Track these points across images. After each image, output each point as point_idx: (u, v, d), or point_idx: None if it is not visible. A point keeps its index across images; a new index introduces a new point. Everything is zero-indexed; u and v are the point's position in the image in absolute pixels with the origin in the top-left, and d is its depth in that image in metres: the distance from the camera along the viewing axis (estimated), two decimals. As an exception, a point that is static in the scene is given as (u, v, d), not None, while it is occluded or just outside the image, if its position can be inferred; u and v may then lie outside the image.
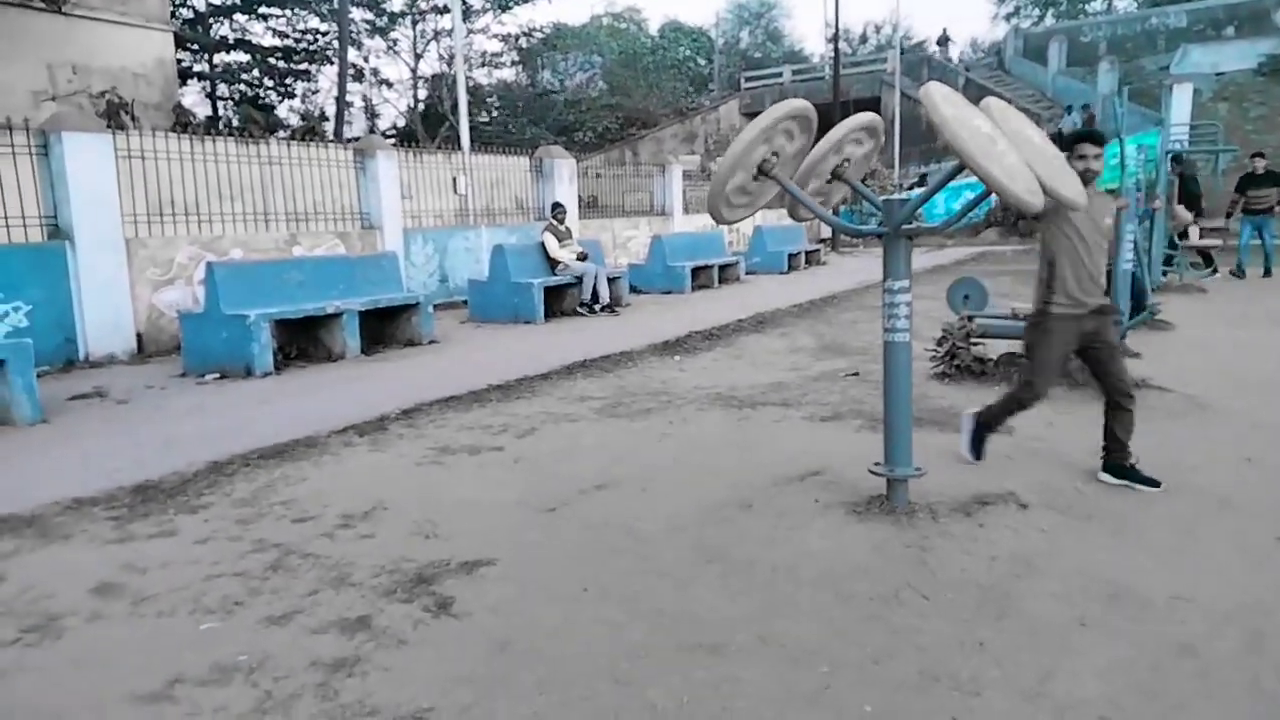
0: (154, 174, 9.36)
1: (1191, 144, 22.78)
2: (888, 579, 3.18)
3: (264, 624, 2.95)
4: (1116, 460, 4.16)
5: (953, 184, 3.35)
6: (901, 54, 33.05)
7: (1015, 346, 6.44)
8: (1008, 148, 3.30)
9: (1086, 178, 3.98)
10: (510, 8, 37.18)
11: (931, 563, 3.31)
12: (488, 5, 36.64)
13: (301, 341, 8.15)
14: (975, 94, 28.80)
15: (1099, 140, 4.02)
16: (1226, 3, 31.75)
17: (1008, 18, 45.11)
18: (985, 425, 4.42)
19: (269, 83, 35.78)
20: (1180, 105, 24.47)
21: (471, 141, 13.75)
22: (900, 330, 3.73)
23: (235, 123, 29.89)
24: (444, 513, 4.00)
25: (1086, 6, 42.68)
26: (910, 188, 26.32)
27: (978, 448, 4.46)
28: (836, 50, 23.89)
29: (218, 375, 7.28)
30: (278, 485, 4.46)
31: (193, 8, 32.13)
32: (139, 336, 8.67)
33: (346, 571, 3.36)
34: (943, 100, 3.12)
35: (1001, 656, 2.65)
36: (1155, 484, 4.05)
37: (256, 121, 23.42)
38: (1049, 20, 42.41)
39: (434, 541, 3.67)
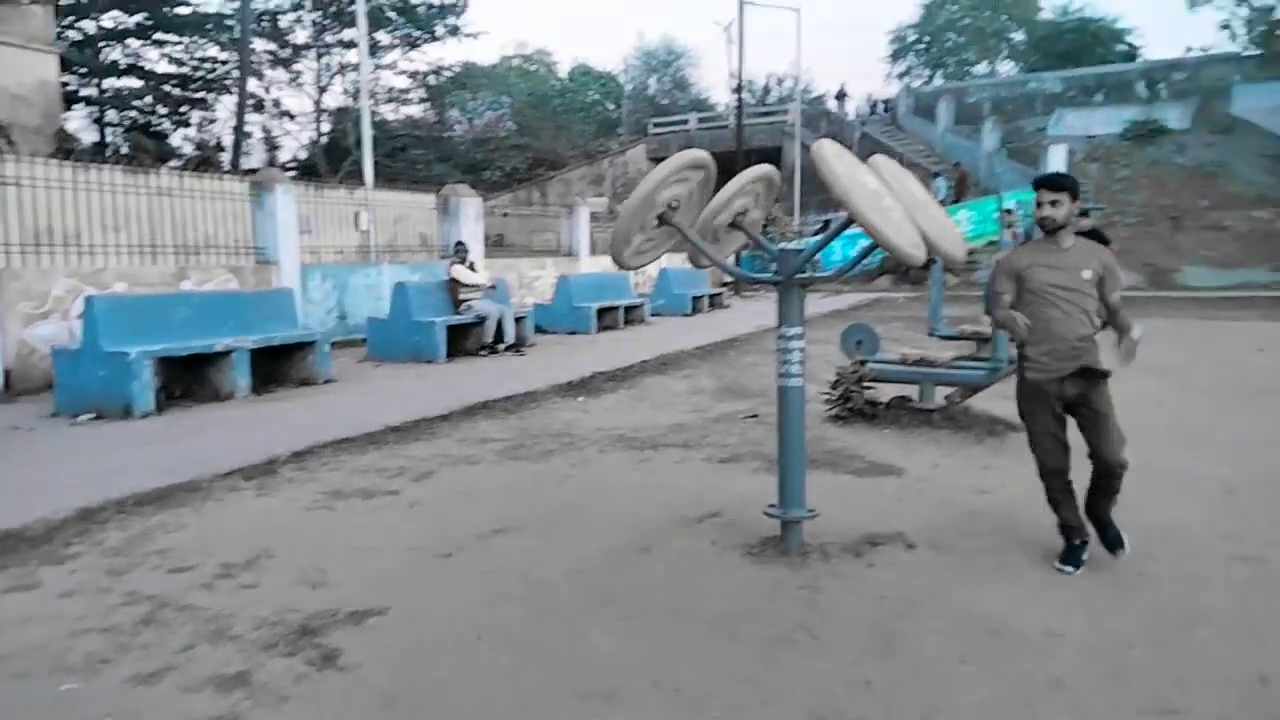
0: (30, 201, 8.88)
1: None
2: (780, 621, 3.23)
3: (132, 683, 2.78)
4: (1084, 540, 3.77)
5: (850, 233, 3.46)
6: (802, 106, 34.36)
7: (906, 390, 6.71)
8: (893, 203, 3.47)
9: (1045, 225, 3.63)
10: (419, 45, 37.07)
11: (822, 603, 3.38)
12: (396, 41, 36.44)
13: (187, 381, 7.79)
14: (870, 147, 30.14)
15: (1057, 185, 3.59)
16: (1097, 72, 34.35)
17: (900, 76, 47.64)
18: (1066, 531, 3.81)
19: (163, 110, 34.54)
20: (1056, 164, 26.18)
21: (376, 177, 13.59)
22: (794, 375, 3.84)
23: (124, 150, 28.69)
24: (333, 560, 3.87)
25: (972, 69, 45.40)
26: (815, 233, 27.22)
27: (1075, 559, 3.73)
28: (740, 101, 24.69)
29: (93, 416, 6.88)
30: (154, 533, 4.23)
31: (82, 30, 30.85)
32: (6, 374, 8.13)
33: (226, 624, 3.21)
34: (833, 156, 3.27)
35: (887, 695, 2.72)
36: (1077, 567, 3.69)
37: (147, 150, 22.59)
38: (938, 80, 44.93)
39: (321, 590, 3.54)
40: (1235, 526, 4.29)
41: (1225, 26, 30.03)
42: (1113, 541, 3.79)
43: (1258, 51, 28.63)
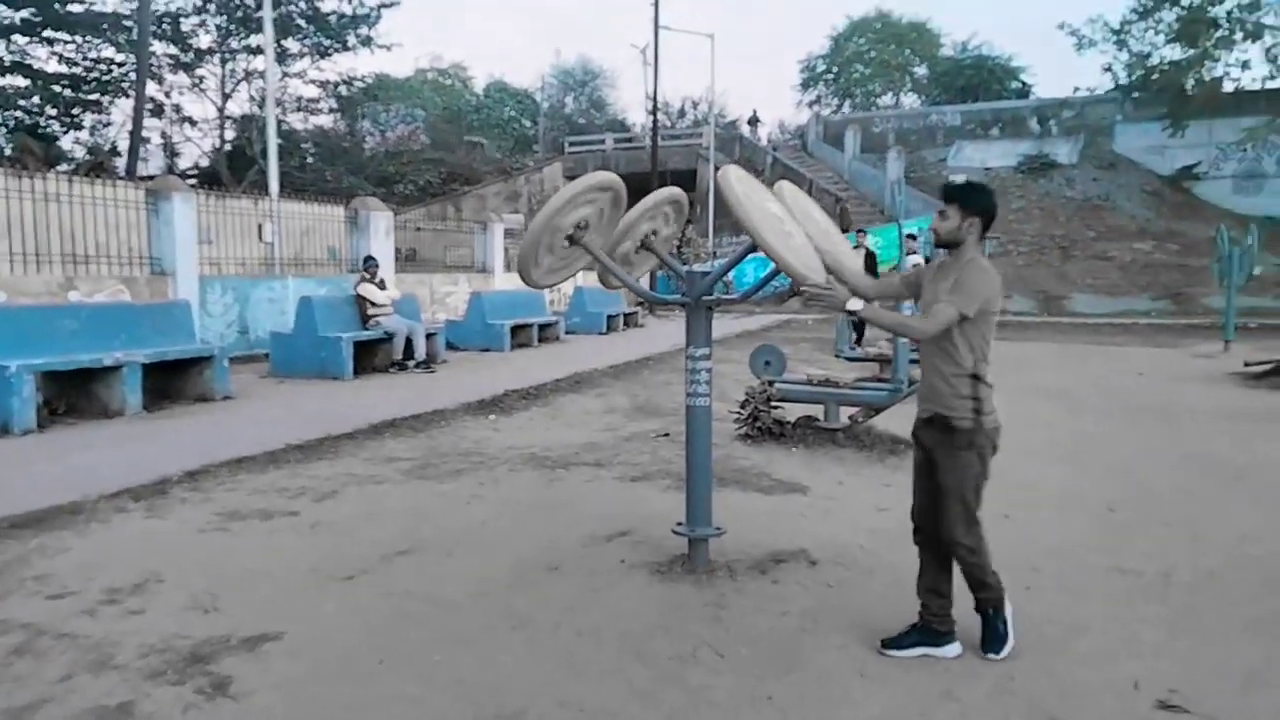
0: (-101, 204, 8.32)
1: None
2: (686, 638, 3.27)
3: (3, 717, 2.61)
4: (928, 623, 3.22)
5: (761, 256, 3.47)
6: (716, 130, 35.01)
7: (812, 410, 6.88)
8: (795, 228, 3.58)
9: (936, 240, 3.19)
10: (329, 54, 36.25)
11: (727, 620, 3.43)
12: (305, 50, 35.56)
13: (73, 396, 7.39)
14: (781, 171, 30.95)
15: (945, 195, 3.13)
16: (994, 107, 36.11)
17: (810, 104, 49.01)
18: (984, 609, 3.19)
19: (52, 112, 32.80)
20: (955, 194, 27.29)
21: (283, 187, 13.21)
22: (701, 395, 3.90)
23: (7, 152, 27.13)
24: (227, 584, 3.73)
25: (878, 100, 47.10)
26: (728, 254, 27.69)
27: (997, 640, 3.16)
28: (655, 123, 25.00)
29: (-34, 433, 6.47)
30: (32, 558, 3.99)
31: (-38, 24, 29.12)
32: None
33: (109, 653, 3.05)
34: (736, 181, 3.35)
35: (788, 709, 2.78)
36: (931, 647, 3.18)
37: (33, 152, 21.42)
38: (846, 109, 46.44)
39: (213, 616, 3.40)
40: (1115, 541, 4.54)
41: (1108, 69, 31.95)
42: (985, 638, 3.16)
43: (1136, 94, 30.59)
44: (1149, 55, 29.69)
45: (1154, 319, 21.23)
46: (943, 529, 3.11)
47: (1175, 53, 28.79)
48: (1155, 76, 29.12)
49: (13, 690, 2.77)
